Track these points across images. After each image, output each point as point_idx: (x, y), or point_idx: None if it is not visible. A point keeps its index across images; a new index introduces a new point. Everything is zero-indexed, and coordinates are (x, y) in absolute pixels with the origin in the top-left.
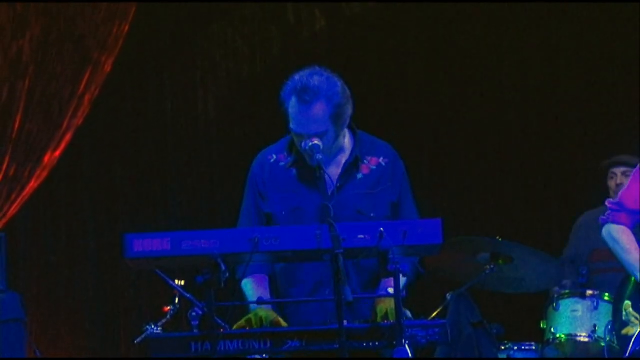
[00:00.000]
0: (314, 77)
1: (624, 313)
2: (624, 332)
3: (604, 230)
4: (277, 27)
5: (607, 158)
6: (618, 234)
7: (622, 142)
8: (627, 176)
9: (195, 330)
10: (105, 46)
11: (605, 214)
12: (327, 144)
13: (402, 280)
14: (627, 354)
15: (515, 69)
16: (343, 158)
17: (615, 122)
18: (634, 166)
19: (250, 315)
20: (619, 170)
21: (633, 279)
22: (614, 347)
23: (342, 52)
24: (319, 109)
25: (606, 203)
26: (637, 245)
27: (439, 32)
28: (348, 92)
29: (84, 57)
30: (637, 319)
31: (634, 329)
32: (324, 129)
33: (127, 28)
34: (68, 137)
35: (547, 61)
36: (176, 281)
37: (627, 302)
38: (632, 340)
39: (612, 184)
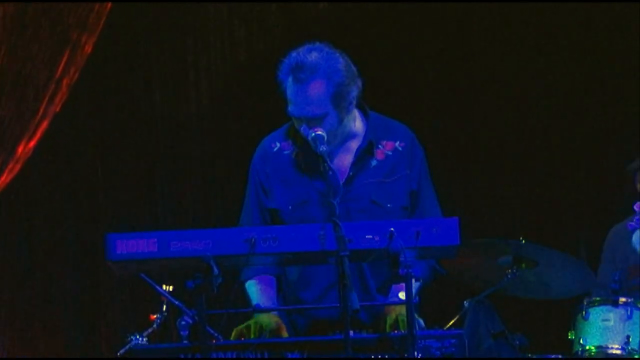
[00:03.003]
0: (312, 53)
1: None
2: None
3: (635, 237)
4: (277, 5)
5: (634, 158)
6: None
7: None
8: None
9: (185, 341)
10: (86, 25)
11: (634, 219)
12: (330, 129)
13: (415, 285)
14: None
15: (545, 65)
16: (355, 144)
17: None
18: None
19: (251, 322)
20: None
21: None
22: None
23: (348, 32)
24: (317, 88)
25: (635, 207)
26: None
27: (458, 12)
28: (354, 70)
29: (62, 37)
30: None
31: None
32: (323, 111)
33: (109, 5)
34: (44, 125)
35: (578, 56)
36: (164, 286)
37: None
38: None
39: None
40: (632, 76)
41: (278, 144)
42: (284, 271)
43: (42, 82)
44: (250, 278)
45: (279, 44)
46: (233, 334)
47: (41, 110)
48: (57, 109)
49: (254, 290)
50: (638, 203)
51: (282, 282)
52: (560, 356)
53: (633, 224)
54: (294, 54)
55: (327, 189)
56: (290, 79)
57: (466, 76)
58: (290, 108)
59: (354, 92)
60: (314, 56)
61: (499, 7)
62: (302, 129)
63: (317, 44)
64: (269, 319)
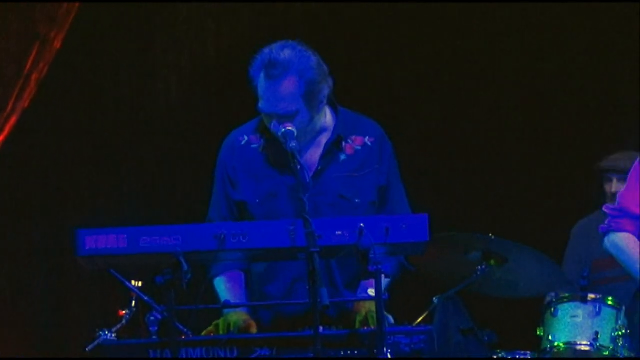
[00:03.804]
0: (284, 50)
1: None
2: None
3: (607, 240)
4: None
5: (603, 155)
6: (624, 243)
7: (623, 137)
8: (623, 182)
9: (154, 337)
10: (55, 20)
11: (606, 222)
12: (300, 126)
13: (385, 281)
14: None
15: (513, 62)
16: (324, 138)
17: (616, 117)
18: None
19: (219, 321)
20: (614, 177)
21: None
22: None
23: (319, 27)
24: (289, 85)
25: (604, 209)
26: None
27: (432, 9)
28: (325, 68)
29: (30, 32)
30: None
31: None
32: (295, 108)
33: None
34: (13, 121)
35: (547, 54)
36: (133, 282)
37: None
38: None
39: (607, 188)
40: (603, 75)
41: (246, 137)
42: (249, 266)
43: (10, 77)
44: (218, 274)
45: (248, 40)
46: (203, 335)
47: (9, 106)
48: (26, 105)
49: (223, 288)
50: (606, 205)
51: (250, 276)
52: (529, 352)
53: (605, 226)
54: (266, 50)
55: (296, 184)
56: (262, 76)
57: (436, 72)
58: (260, 104)
59: (325, 90)
60: (286, 53)
61: (469, 4)
62: (272, 125)
63: (290, 41)
64: (237, 317)
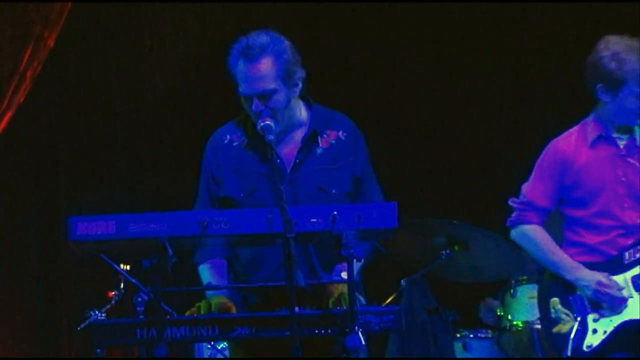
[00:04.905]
0: (260, 35)
1: (552, 310)
2: (555, 329)
3: (514, 233)
4: (230, 1)
5: None
6: (533, 235)
7: None
8: None
9: (141, 316)
10: (48, 20)
11: (512, 215)
12: (278, 106)
13: (357, 264)
14: (568, 352)
15: (473, 51)
16: (300, 133)
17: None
18: None
19: (201, 303)
20: None
21: (548, 274)
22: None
23: (300, 29)
24: (266, 64)
25: (510, 203)
26: (555, 244)
27: (402, 12)
28: (297, 55)
29: (25, 31)
30: (567, 315)
31: (567, 325)
32: (272, 87)
33: (70, 2)
34: (9, 115)
35: (507, 44)
36: (121, 265)
37: (554, 299)
38: (571, 337)
39: None
40: (571, 64)
41: (228, 137)
42: (234, 253)
43: (6, 74)
44: (202, 261)
45: (232, 38)
46: (186, 315)
47: (5, 102)
48: (21, 100)
49: (207, 274)
50: (512, 198)
51: (232, 263)
52: (489, 331)
53: (512, 219)
54: (242, 38)
55: (273, 174)
56: (240, 61)
57: (400, 61)
58: (240, 88)
59: (300, 73)
60: (262, 37)
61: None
62: (253, 107)
63: (264, 30)
64: (218, 299)
